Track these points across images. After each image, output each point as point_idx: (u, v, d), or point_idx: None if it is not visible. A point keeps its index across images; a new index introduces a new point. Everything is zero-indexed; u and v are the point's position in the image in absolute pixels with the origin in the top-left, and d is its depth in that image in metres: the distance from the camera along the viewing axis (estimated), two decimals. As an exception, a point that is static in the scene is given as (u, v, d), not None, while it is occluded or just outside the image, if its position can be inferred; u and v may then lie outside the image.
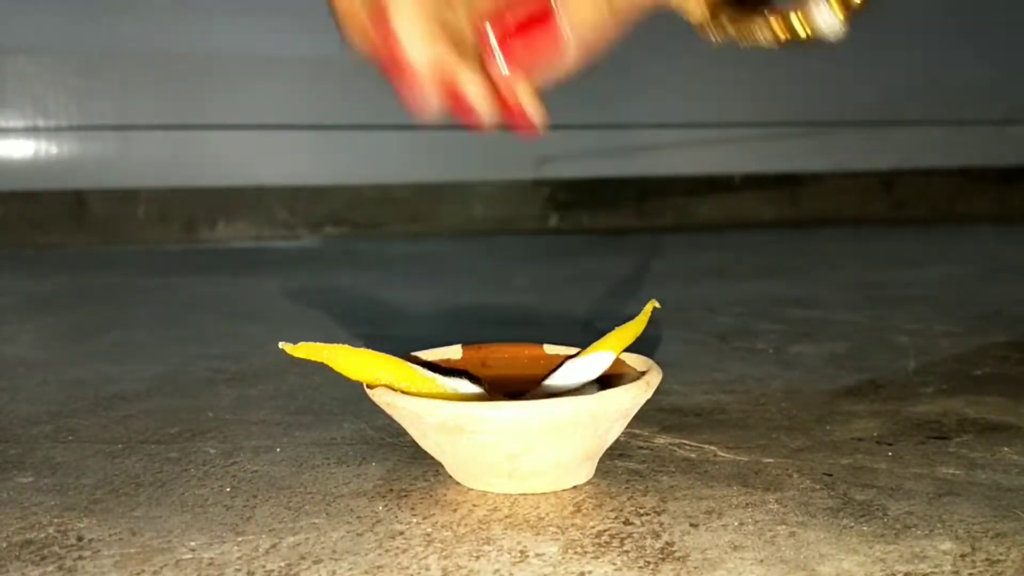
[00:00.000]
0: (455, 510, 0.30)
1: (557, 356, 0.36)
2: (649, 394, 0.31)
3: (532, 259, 1.01)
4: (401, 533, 0.28)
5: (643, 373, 0.32)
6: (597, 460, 0.33)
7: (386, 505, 0.31)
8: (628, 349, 0.34)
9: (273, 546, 0.28)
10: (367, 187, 1.15)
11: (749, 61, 1.21)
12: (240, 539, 0.28)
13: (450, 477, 0.33)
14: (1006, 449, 0.35)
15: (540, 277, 0.86)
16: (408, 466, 0.34)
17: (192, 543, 0.28)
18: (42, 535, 0.29)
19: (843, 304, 0.68)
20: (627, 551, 0.27)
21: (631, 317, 0.34)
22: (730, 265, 0.90)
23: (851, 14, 0.30)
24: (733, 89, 1.21)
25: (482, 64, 0.31)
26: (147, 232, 1.11)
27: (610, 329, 0.34)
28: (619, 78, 1.18)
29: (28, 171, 1.08)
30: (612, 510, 0.30)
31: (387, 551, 0.27)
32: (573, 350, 0.35)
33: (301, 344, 0.30)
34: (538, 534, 0.28)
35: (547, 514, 0.30)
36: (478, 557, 0.27)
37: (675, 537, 0.28)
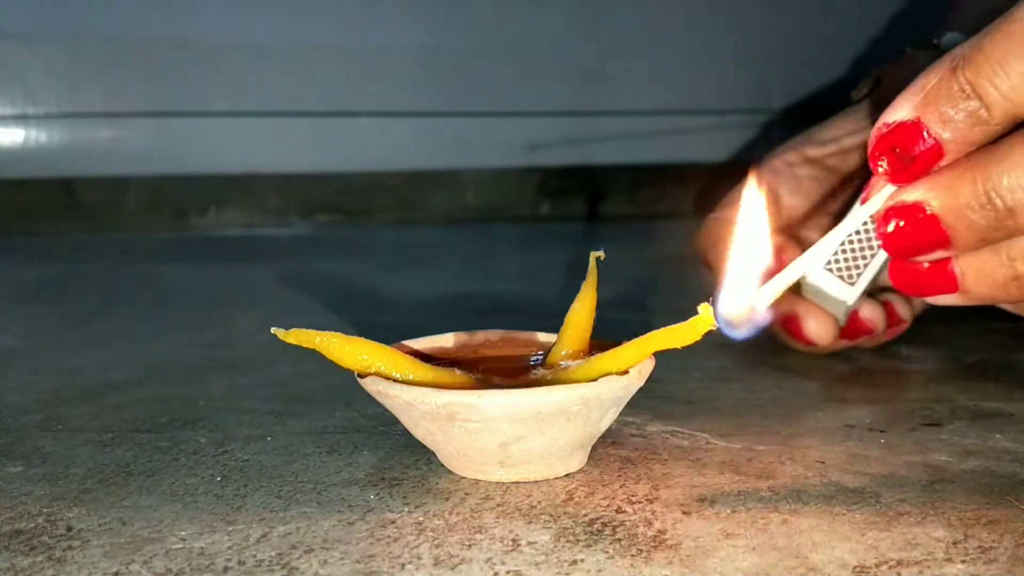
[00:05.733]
0: (447, 499, 0.30)
1: (550, 343, 0.36)
2: (642, 382, 0.31)
3: (524, 246, 1.00)
4: (393, 522, 0.28)
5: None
6: (590, 448, 0.33)
7: (378, 494, 0.30)
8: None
9: (264, 535, 0.27)
10: (359, 175, 1.15)
11: (742, 50, 1.20)
12: (231, 528, 0.28)
13: (442, 466, 0.33)
14: (998, 436, 0.35)
15: (532, 264, 0.86)
16: (400, 455, 0.34)
17: (182, 532, 0.28)
18: (31, 525, 0.29)
19: (835, 291, 0.68)
20: (619, 539, 0.27)
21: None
22: (722, 252, 0.90)
23: None
24: (726, 77, 1.21)
25: None
26: (137, 220, 1.10)
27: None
28: (612, 64, 1.17)
29: (17, 159, 1.07)
30: (604, 498, 0.30)
31: (379, 540, 0.27)
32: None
33: (293, 330, 0.30)
34: (530, 522, 0.28)
35: (539, 502, 0.30)
36: (470, 546, 0.27)
37: (667, 525, 0.28)
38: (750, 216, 0.31)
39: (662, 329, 0.30)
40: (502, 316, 0.61)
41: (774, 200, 0.50)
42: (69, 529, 0.28)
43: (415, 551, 0.26)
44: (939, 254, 0.29)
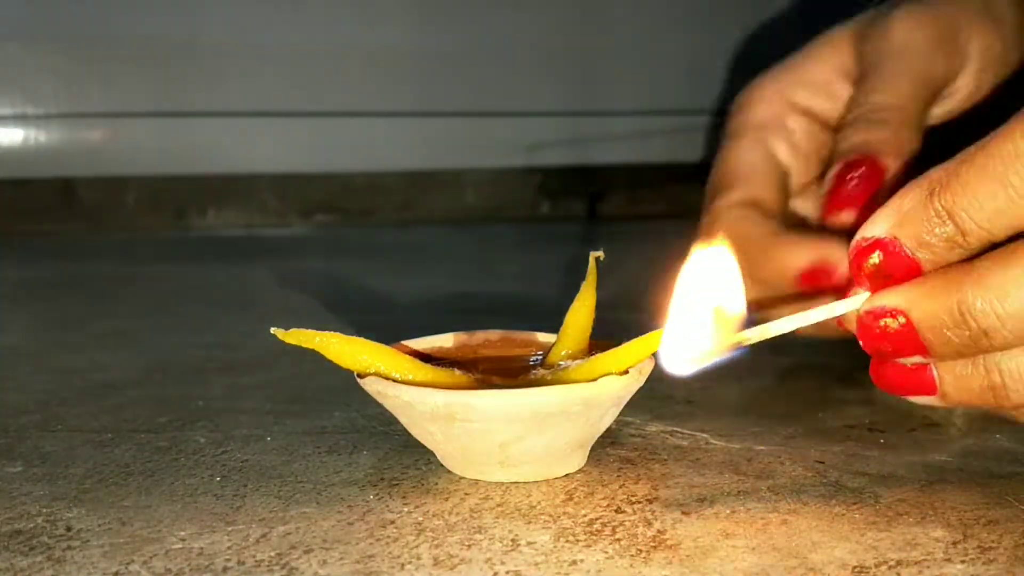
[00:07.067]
0: (446, 499, 0.30)
1: (550, 343, 0.36)
2: (642, 382, 0.31)
3: (523, 247, 1.00)
4: (392, 522, 0.28)
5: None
6: (589, 448, 0.33)
7: (377, 494, 0.30)
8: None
9: (263, 535, 0.27)
10: (358, 175, 1.15)
11: (741, 50, 1.20)
12: (230, 528, 0.28)
13: (441, 466, 0.33)
14: (998, 436, 0.35)
15: (531, 265, 0.86)
16: (399, 455, 0.34)
17: (182, 533, 0.28)
18: (31, 525, 0.29)
19: (835, 291, 0.68)
20: (619, 539, 0.27)
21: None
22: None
23: None
24: (725, 77, 1.21)
25: None
26: (137, 220, 1.10)
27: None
28: (610, 64, 1.17)
29: (17, 158, 1.07)
30: (604, 498, 0.30)
31: (378, 540, 0.27)
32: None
33: (293, 330, 0.30)
34: (530, 523, 0.28)
35: (539, 502, 0.30)
36: (469, 546, 0.27)
37: (667, 525, 0.28)
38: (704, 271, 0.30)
39: (662, 329, 0.30)
40: (502, 316, 0.61)
41: (773, 164, 0.42)
42: (69, 529, 0.28)
43: (415, 551, 0.26)
44: (917, 359, 0.29)
